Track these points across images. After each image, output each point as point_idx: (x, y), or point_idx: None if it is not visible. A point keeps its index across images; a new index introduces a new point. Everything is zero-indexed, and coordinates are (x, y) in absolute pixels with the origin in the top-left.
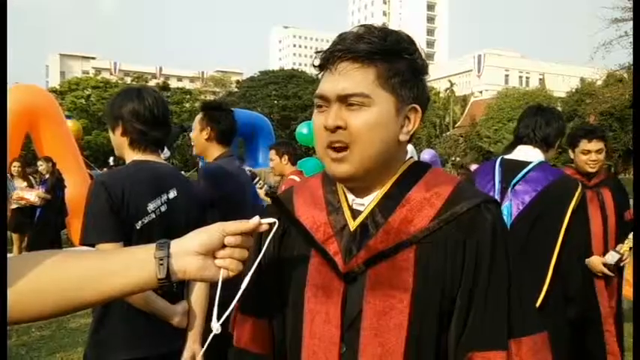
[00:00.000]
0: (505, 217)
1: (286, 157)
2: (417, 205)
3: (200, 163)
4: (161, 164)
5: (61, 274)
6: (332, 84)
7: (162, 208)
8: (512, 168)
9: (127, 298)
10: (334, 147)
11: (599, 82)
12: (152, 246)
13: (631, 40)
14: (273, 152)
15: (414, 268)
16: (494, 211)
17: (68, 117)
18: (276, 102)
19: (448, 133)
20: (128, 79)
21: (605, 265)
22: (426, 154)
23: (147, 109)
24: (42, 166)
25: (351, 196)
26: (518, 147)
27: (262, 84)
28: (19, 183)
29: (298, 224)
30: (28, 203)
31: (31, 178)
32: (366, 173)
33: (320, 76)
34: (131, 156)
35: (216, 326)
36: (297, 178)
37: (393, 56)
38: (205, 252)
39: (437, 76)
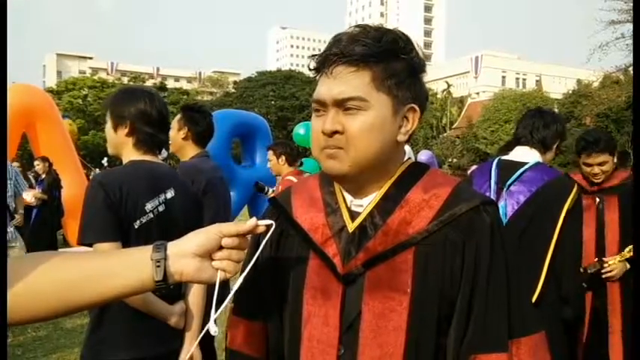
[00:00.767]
0: None
1: (283, 157)
2: (415, 207)
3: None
4: (159, 164)
5: (58, 276)
6: (329, 88)
7: (160, 208)
8: (509, 168)
9: (127, 300)
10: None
11: (596, 84)
12: (149, 248)
13: (627, 42)
14: (270, 153)
15: (413, 269)
16: (493, 213)
17: (64, 117)
18: (273, 102)
19: (445, 135)
20: (125, 79)
21: (585, 271)
22: (423, 156)
23: (157, 112)
24: (39, 165)
25: (349, 197)
26: (516, 148)
27: (259, 84)
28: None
29: (296, 225)
30: (25, 203)
31: (30, 178)
32: (362, 173)
33: (317, 78)
34: (130, 156)
35: (213, 328)
36: (294, 179)
37: (388, 57)
38: (202, 254)
39: (434, 78)
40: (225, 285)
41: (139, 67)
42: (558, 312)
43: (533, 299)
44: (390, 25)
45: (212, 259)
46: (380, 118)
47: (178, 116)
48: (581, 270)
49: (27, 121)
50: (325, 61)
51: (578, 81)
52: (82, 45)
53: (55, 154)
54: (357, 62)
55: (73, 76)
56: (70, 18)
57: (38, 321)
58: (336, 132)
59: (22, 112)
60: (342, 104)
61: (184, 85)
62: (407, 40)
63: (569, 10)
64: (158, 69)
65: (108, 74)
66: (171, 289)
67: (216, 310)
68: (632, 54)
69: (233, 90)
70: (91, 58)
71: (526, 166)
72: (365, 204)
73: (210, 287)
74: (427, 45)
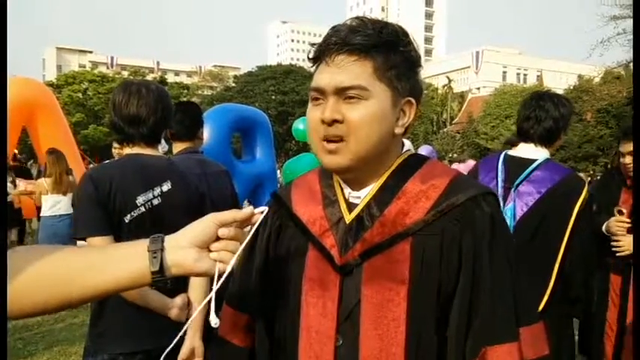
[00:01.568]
0: (508, 219)
1: None
2: (413, 197)
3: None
4: (155, 157)
5: (54, 269)
6: (329, 77)
7: (155, 202)
8: (516, 166)
9: (124, 294)
10: (330, 140)
11: (597, 80)
12: (146, 240)
13: (629, 37)
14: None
15: (410, 260)
16: (493, 203)
17: None
18: (273, 97)
19: (445, 130)
20: (125, 73)
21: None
22: (423, 150)
23: (121, 105)
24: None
25: (347, 190)
26: (521, 144)
27: (260, 79)
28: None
29: (295, 218)
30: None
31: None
32: (361, 165)
33: (314, 69)
34: (125, 151)
35: (214, 320)
36: None
37: (389, 49)
38: (200, 244)
39: (435, 73)
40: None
41: (139, 61)
42: (568, 313)
43: (543, 302)
44: (390, 19)
45: (210, 251)
46: (380, 108)
47: None
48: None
49: (27, 115)
50: (325, 50)
51: (579, 76)
52: (82, 39)
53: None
54: (359, 52)
55: (73, 70)
56: (70, 12)
57: (34, 315)
58: (336, 121)
59: (22, 106)
60: (342, 93)
61: (184, 79)
62: (405, 34)
63: (571, 5)
64: (158, 63)
65: (108, 68)
66: (173, 283)
67: (217, 302)
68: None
69: (233, 84)
70: (90, 52)
71: (535, 165)
72: (362, 195)
73: (213, 280)
74: (428, 40)
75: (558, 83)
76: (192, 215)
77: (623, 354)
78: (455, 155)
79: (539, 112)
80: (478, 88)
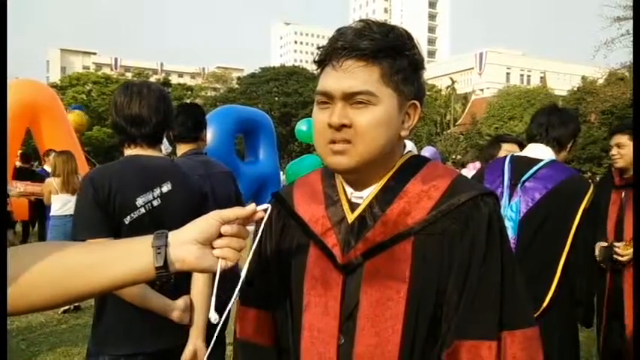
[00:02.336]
0: (514, 214)
1: None
2: (414, 198)
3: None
4: (155, 158)
5: (59, 264)
6: (337, 81)
7: (155, 203)
8: (523, 165)
9: (123, 294)
10: (336, 142)
11: (601, 81)
12: (150, 236)
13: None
14: None
15: (412, 259)
16: (491, 204)
17: (76, 108)
18: (276, 98)
19: (449, 131)
20: (129, 75)
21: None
22: (427, 152)
23: (123, 105)
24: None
25: (349, 190)
26: (529, 145)
27: (263, 80)
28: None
29: (297, 218)
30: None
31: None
32: (366, 166)
33: (318, 71)
34: (126, 152)
35: (214, 316)
36: None
37: (395, 53)
38: (203, 241)
39: (438, 74)
40: (236, 277)
41: (143, 62)
42: (571, 312)
43: (547, 299)
44: (394, 20)
45: (213, 248)
46: (387, 113)
47: None
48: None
49: (31, 116)
50: (332, 54)
51: (583, 78)
52: (86, 40)
53: (60, 149)
54: (367, 57)
55: (77, 72)
56: (74, 13)
57: (37, 310)
58: (343, 125)
59: (26, 108)
60: (350, 98)
61: (188, 80)
62: (410, 37)
63: (575, 7)
64: (162, 64)
65: (112, 70)
66: (180, 283)
67: (217, 299)
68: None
69: (236, 86)
70: (94, 54)
71: (541, 164)
72: (365, 195)
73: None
74: (431, 41)
75: (562, 85)
76: (193, 216)
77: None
78: (459, 157)
79: (554, 119)
80: (482, 90)
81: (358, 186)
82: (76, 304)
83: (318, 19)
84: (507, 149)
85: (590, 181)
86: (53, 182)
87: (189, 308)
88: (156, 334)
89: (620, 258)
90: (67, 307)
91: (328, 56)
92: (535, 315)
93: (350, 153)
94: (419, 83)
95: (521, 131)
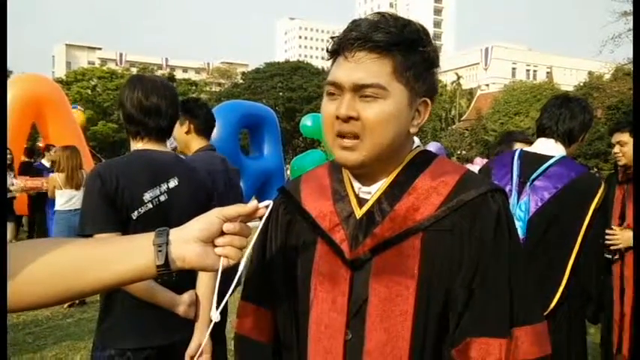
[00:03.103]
0: (522, 213)
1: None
2: (423, 193)
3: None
4: (162, 153)
5: (60, 261)
6: (348, 72)
7: (162, 198)
8: (532, 162)
9: (130, 288)
10: (344, 135)
11: (607, 76)
12: (151, 234)
13: None
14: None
15: (420, 255)
16: (500, 200)
17: (73, 106)
18: (281, 94)
19: (454, 127)
20: (134, 70)
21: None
22: (432, 147)
23: (140, 97)
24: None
25: (357, 185)
26: (539, 140)
27: (267, 76)
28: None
29: (304, 213)
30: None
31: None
32: (375, 162)
33: (330, 62)
34: (134, 146)
35: (215, 315)
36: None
37: (409, 48)
38: (205, 238)
39: (443, 69)
40: (235, 272)
41: (148, 57)
42: (579, 311)
43: (555, 299)
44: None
45: (215, 246)
46: (397, 108)
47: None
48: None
49: (36, 111)
50: (345, 45)
51: (590, 73)
52: (91, 36)
53: (65, 144)
54: (380, 49)
55: (82, 67)
56: (79, 8)
57: (39, 307)
58: (351, 117)
59: (31, 103)
60: (360, 90)
61: (192, 76)
62: (425, 33)
63: (582, 1)
64: (167, 59)
65: (117, 65)
66: (182, 279)
67: (219, 298)
68: None
69: (241, 81)
70: (100, 49)
71: (551, 161)
72: (373, 191)
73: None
74: (437, 36)
75: (568, 80)
76: (200, 211)
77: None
78: (463, 152)
79: (565, 111)
80: (487, 85)
81: (366, 181)
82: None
83: (323, 14)
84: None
85: (600, 178)
86: (57, 178)
87: (195, 303)
88: (161, 328)
89: (615, 240)
90: (72, 301)
91: (341, 46)
92: (544, 314)
93: (358, 148)
94: (431, 81)
95: (526, 127)
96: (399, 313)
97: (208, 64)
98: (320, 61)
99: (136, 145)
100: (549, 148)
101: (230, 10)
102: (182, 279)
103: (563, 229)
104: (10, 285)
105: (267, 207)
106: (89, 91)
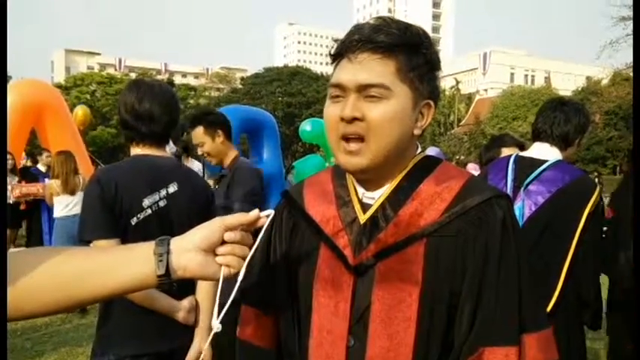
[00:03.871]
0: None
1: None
2: (427, 199)
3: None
4: (161, 158)
5: (60, 270)
6: (352, 73)
7: (161, 203)
8: (527, 166)
9: (129, 294)
10: (349, 138)
11: (605, 81)
12: (152, 243)
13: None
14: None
15: (424, 261)
16: (505, 206)
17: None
18: (280, 99)
19: (453, 131)
20: (133, 75)
21: None
22: (431, 152)
23: (134, 102)
24: (49, 158)
25: (361, 190)
26: (535, 144)
27: (266, 81)
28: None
29: (308, 218)
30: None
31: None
32: (379, 166)
33: (333, 65)
34: (134, 151)
35: (216, 324)
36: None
37: (412, 49)
38: (206, 248)
39: (442, 74)
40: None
41: (147, 62)
42: (576, 317)
43: (552, 303)
44: None
45: (216, 255)
46: (401, 109)
47: (201, 130)
48: None
49: (36, 116)
50: (348, 47)
51: (588, 78)
52: (91, 41)
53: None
54: (383, 50)
55: (82, 72)
56: (79, 14)
57: (39, 316)
58: (355, 118)
59: (30, 108)
60: (364, 90)
61: (192, 81)
62: (427, 36)
63: (580, 6)
64: (166, 65)
65: (116, 70)
66: (182, 285)
67: (221, 307)
68: None
69: (240, 86)
70: (99, 54)
71: (545, 165)
72: (377, 196)
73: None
74: (435, 41)
75: (566, 85)
76: (199, 216)
77: None
78: (462, 157)
79: (560, 115)
80: (485, 90)
81: (370, 186)
82: None
83: (322, 19)
84: (508, 153)
85: (597, 181)
86: (54, 184)
87: (195, 309)
88: (161, 334)
89: None
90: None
91: (344, 49)
92: None
93: (363, 152)
94: (434, 83)
95: (525, 131)
96: (402, 320)
97: (207, 69)
98: (319, 67)
99: (135, 150)
100: (545, 152)
101: (229, 16)
102: (185, 286)
103: (557, 233)
104: (9, 291)
105: (268, 216)
106: (88, 96)
